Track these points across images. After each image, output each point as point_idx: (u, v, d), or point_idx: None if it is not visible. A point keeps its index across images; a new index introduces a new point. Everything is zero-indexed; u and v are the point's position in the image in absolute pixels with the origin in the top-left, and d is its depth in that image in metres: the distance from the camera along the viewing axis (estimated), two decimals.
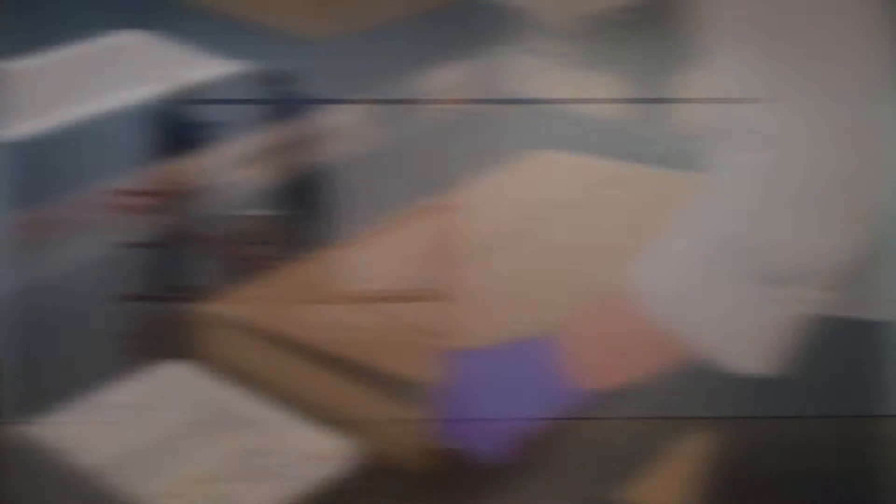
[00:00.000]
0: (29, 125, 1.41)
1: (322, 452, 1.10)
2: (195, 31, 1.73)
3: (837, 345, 0.99)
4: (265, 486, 1.06)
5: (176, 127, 1.50)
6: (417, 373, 1.05)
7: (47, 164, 1.39)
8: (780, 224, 0.82)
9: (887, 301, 0.96)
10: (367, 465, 1.09)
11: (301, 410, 1.15)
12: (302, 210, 1.49)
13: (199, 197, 2.08)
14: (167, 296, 1.38)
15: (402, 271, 1.25)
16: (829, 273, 0.84)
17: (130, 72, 1.58)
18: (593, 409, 1.01)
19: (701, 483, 1.17)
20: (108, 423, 1.15)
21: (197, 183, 2.25)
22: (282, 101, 1.61)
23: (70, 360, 1.26)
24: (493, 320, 1.13)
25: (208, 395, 1.19)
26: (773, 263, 0.83)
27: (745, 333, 0.87)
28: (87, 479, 1.03)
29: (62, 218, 1.92)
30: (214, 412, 1.16)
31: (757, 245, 0.83)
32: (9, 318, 1.28)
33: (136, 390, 1.20)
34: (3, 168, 1.36)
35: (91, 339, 1.30)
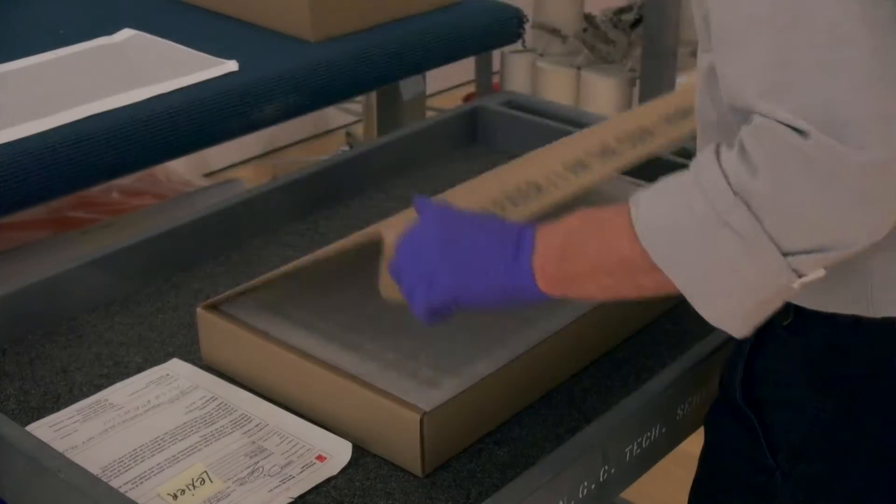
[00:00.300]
0: (27, 126, 1.41)
1: (322, 452, 1.10)
2: (193, 31, 1.73)
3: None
4: (264, 487, 1.06)
5: (175, 126, 1.50)
6: None
7: (46, 163, 1.39)
8: (799, 195, 0.82)
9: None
10: (367, 465, 1.10)
11: (300, 410, 1.15)
12: None
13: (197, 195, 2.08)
14: (166, 294, 1.38)
15: None
16: (836, 255, 0.84)
17: (128, 71, 1.58)
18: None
19: None
20: (109, 423, 1.15)
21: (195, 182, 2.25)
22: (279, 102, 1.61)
23: (70, 359, 1.26)
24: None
25: (208, 395, 1.18)
26: (784, 231, 0.83)
27: (729, 289, 0.87)
28: (87, 479, 1.03)
29: (62, 217, 1.92)
30: (214, 412, 1.16)
31: (772, 208, 0.82)
32: (9, 318, 1.28)
33: (136, 390, 1.20)
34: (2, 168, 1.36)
35: (91, 339, 1.30)
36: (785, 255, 0.84)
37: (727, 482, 1.12)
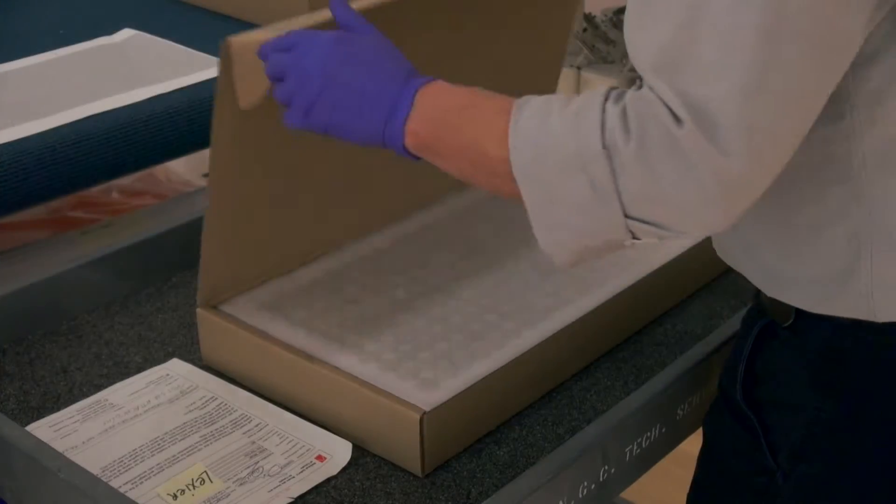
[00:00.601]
0: (27, 126, 1.41)
1: (322, 452, 1.10)
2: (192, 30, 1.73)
3: None
4: (264, 487, 1.06)
5: (175, 126, 1.50)
6: None
7: (46, 163, 1.39)
8: (656, 173, 0.85)
9: None
10: (367, 465, 1.10)
11: (300, 410, 1.15)
12: None
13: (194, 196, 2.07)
14: (166, 294, 1.38)
15: None
16: (670, 235, 0.89)
17: (128, 71, 1.58)
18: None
19: None
20: (109, 424, 1.15)
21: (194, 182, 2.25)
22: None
23: (70, 359, 1.26)
24: None
25: (208, 395, 1.19)
26: (632, 197, 0.86)
27: (568, 225, 0.91)
28: (87, 479, 1.03)
29: (62, 217, 1.92)
30: (214, 412, 1.16)
31: (629, 174, 0.86)
32: (9, 318, 1.28)
33: (136, 390, 1.20)
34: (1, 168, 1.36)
35: (91, 339, 1.30)
36: (626, 216, 0.88)
37: (727, 483, 1.12)
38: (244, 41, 1.04)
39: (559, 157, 0.88)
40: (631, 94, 0.87)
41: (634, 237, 0.90)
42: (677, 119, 0.83)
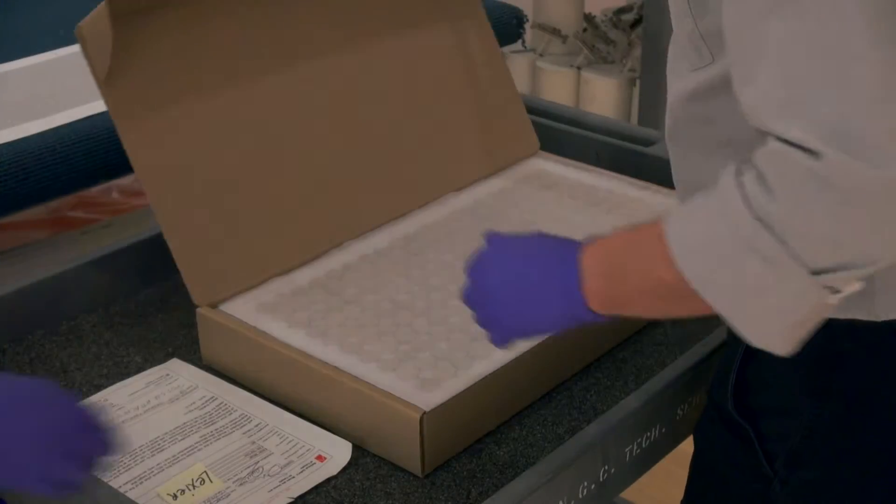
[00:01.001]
0: (26, 126, 1.41)
1: (322, 452, 1.10)
2: None
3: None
4: (264, 487, 1.06)
5: None
6: None
7: (46, 163, 1.39)
8: (817, 216, 0.81)
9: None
10: (367, 465, 1.10)
11: (300, 410, 1.15)
12: None
13: None
14: (166, 294, 1.38)
15: None
16: (866, 271, 0.84)
17: None
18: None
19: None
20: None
21: None
22: None
23: (70, 359, 1.26)
24: None
25: (208, 395, 1.19)
26: (808, 252, 0.82)
27: (765, 311, 0.86)
28: (88, 479, 1.03)
29: (62, 217, 1.92)
30: (214, 412, 1.16)
31: (793, 231, 0.82)
32: (9, 318, 1.28)
33: (136, 390, 1.20)
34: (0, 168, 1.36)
35: (91, 339, 1.30)
36: (814, 273, 0.83)
37: (723, 491, 1.12)
38: (88, 20, 1.15)
39: (722, 252, 0.85)
40: (758, 153, 0.83)
41: (835, 291, 0.85)
42: (814, 153, 0.79)
